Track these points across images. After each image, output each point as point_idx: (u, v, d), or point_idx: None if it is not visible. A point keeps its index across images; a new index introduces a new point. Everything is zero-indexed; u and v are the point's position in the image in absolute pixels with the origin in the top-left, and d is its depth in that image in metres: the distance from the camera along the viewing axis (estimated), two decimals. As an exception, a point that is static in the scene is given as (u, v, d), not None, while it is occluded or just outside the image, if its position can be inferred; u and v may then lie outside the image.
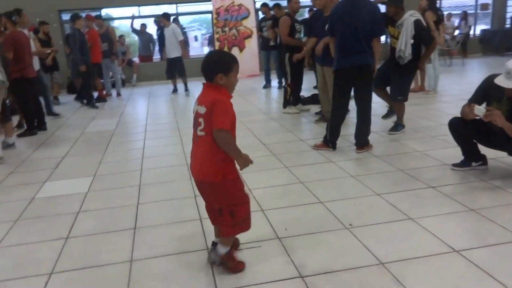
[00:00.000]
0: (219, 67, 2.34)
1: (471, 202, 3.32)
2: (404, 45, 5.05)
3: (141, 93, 11.09)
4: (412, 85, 7.66)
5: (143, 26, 12.91)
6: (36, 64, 7.57)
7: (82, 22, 9.16)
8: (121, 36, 12.56)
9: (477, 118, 3.57)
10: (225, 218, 2.46)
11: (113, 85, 10.81)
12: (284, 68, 7.09)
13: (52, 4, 12.04)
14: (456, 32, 13.64)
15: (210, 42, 14.83)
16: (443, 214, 3.18)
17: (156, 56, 13.74)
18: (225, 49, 12.64)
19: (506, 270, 2.41)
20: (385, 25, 5.14)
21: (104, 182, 4.39)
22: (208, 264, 2.62)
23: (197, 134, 2.40)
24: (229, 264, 2.54)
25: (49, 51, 9.12)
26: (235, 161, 2.41)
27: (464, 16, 14.10)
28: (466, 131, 3.86)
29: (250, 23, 12.72)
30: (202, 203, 2.71)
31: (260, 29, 10.56)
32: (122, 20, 14.11)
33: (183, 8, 13.63)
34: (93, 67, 9.40)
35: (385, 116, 5.92)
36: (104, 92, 10.39)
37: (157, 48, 13.40)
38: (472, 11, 15.16)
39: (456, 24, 14.12)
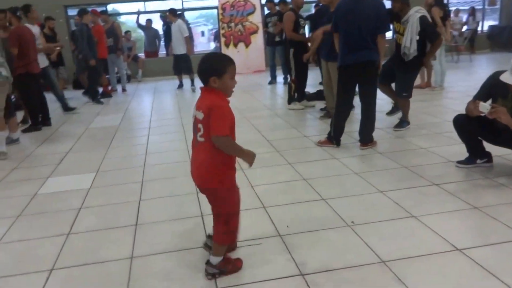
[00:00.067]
0: (212, 70, 2.31)
1: (475, 200, 3.28)
2: (409, 42, 5.00)
3: (147, 89, 11.09)
4: (419, 82, 7.63)
5: (149, 21, 12.91)
6: (45, 60, 7.57)
7: (90, 17, 9.17)
8: (127, 32, 12.56)
9: (482, 115, 3.53)
10: (220, 224, 2.47)
11: (119, 81, 10.82)
12: (289, 64, 7.07)
13: (58, -1, 12.03)
14: (464, 28, 13.53)
15: (216, 37, 14.78)
16: (446, 212, 3.15)
17: (162, 52, 13.73)
18: (231, 44, 12.64)
19: (509, 270, 2.38)
20: (391, 21, 5.10)
21: (107, 178, 4.39)
22: (207, 278, 2.48)
23: (197, 140, 2.38)
24: (228, 268, 2.51)
25: (58, 48, 9.12)
26: (242, 160, 2.39)
27: (472, 11, 13.98)
28: (470, 128, 3.83)
29: (256, 19, 12.68)
30: (204, 199, 2.70)
31: (265, 24, 10.53)
32: (128, 15, 14.11)
33: (189, 3, 13.59)
34: (99, 62, 9.40)
35: (390, 113, 5.87)
36: (110, 88, 10.41)
37: (162, 43, 13.40)
38: (480, 7, 15.03)
39: (464, 19, 13.99)
